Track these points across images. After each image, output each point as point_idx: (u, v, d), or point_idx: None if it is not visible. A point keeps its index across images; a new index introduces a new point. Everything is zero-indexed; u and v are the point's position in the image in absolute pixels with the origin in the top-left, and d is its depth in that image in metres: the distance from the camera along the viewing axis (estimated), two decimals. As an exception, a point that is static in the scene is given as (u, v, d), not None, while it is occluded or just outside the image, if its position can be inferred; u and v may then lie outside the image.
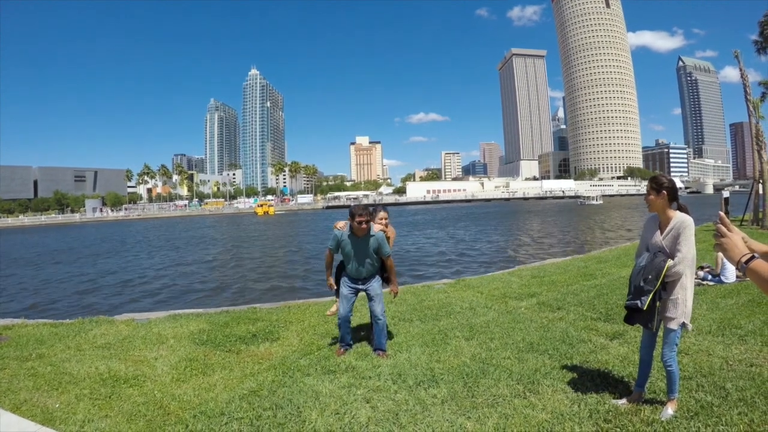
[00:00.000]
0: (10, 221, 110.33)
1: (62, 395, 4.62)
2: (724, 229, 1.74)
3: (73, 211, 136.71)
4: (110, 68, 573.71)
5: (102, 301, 15.49)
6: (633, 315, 3.46)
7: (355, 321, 6.58)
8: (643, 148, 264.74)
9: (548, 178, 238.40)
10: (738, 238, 1.72)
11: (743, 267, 1.64)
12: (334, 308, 5.52)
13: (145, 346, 6.21)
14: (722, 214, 1.80)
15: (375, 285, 5.41)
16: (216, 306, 10.28)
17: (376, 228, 5.32)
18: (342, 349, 5.45)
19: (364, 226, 5.07)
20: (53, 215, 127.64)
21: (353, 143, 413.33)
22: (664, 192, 3.37)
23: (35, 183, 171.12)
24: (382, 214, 5.62)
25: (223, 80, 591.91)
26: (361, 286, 5.40)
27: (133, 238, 49.50)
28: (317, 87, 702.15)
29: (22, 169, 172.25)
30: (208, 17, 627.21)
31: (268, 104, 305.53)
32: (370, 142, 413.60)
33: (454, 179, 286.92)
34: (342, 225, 5.35)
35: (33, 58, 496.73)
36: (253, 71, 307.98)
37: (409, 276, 16.79)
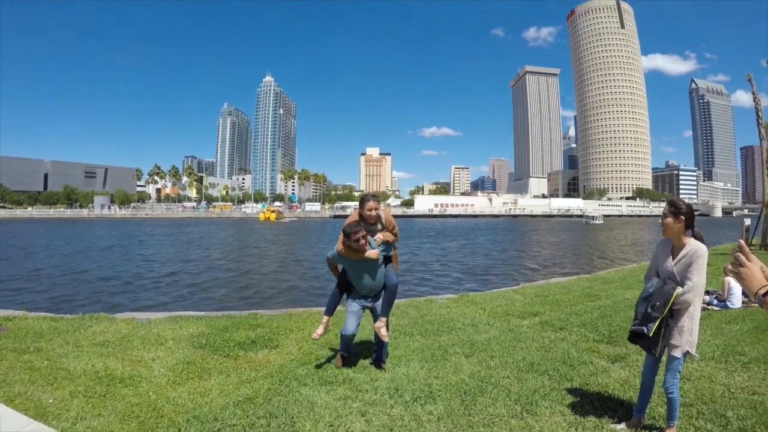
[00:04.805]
0: (19, 213, 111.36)
1: (57, 390, 4.61)
2: (743, 258, 1.70)
3: (81, 207, 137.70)
4: (126, 68, 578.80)
5: (104, 298, 15.53)
6: (637, 339, 3.42)
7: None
8: (652, 169, 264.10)
9: (557, 196, 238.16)
10: (757, 269, 1.68)
11: (761, 299, 1.61)
12: (321, 330, 5.11)
13: (143, 346, 6.18)
14: (742, 242, 1.76)
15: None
16: (217, 309, 10.25)
17: (378, 238, 4.93)
18: (341, 355, 5.32)
19: (362, 242, 4.71)
20: (62, 209, 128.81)
21: (363, 154, 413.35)
22: (683, 218, 3.31)
23: (46, 176, 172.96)
24: (370, 204, 4.92)
25: (237, 85, 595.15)
26: (369, 304, 5.14)
27: (140, 237, 49.71)
28: (330, 96, 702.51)
29: (34, 162, 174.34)
30: (225, 22, 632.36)
31: (281, 111, 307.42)
32: (380, 154, 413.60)
33: (463, 194, 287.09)
34: (375, 254, 4.84)
35: (51, 55, 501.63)
36: (268, 78, 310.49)
37: (413, 289, 16.73)
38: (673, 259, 3.38)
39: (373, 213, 4.91)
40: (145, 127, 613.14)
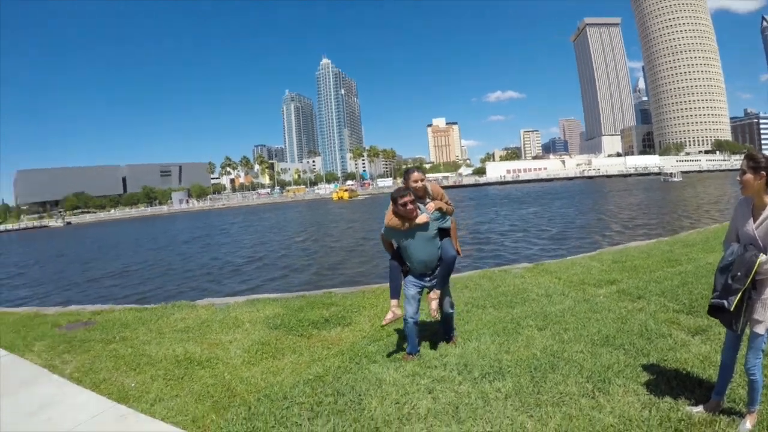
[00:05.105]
0: (103, 215, 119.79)
1: (139, 375, 4.93)
2: None
3: (160, 204, 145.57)
4: (189, 66, 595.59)
5: (192, 288, 16.33)
6: (716, 313, 3.06)
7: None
8: (730, 118, 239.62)
9: (632, 153, 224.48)
10: None
11: None
12: (390, 315, 4.75)
13: (221, 330, 6.47)
14: None
15: None
16: (294, 290, 10.48)
17: (430, 207, 4.59)
18: (409, 356, 4.86)
19: (410, 207, 4.38)
20: (142, 208, 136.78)
21: (430, 125, 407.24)
22: (763, 173, 2.87)
23: (124, 180, 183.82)
24: (415, 175, 4.68)
25: (296, 72, 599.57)
26: (427, 283, 4.75)
27: (221, 227, 52.06)
28: (390, 71, 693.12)
29: (111, 168, 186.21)
30: (273, 11, 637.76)
31: (342, 91, 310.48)
32: (447, 123, 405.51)
33: (534, 158, 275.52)
34: (425, 218, 4.53)
35: (115, 61, 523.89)
36: (325, 60, 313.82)
37: (491, 260, 16.49)
38: (755, 221, 2.97)
39: (419, 184, 4.65)
40: (213, 121, 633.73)
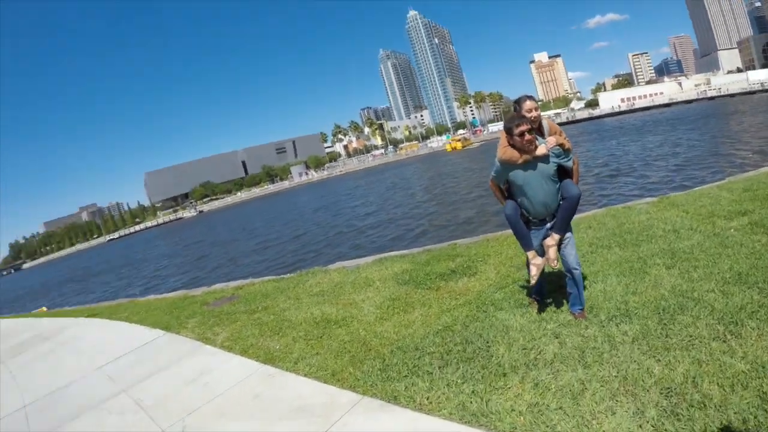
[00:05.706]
0: (230, 200, 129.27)
1: (282, 338, 5.50)
2: None
3: (281, 180, 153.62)
4: (285, 45, 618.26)
5: (328, 252, 17.42)
6: None
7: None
8: None
9: (753, 67, 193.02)
10: None
11: None
12: (534, 271, 4.26)
13: (353, 290, 6.89)
14: None
15: None
16: (419, 246, 10.70)
17: (551, 141, 4.00)
18: (535, 300, 4.77)
19: (528, 137, 3.80)
20: (265, 186, 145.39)
21: (532, 61, 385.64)
22: None
23: (243, 163, 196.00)
24: (528, 104, 4.12)
25: (387, 29, 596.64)
26: (549, 228, 4.20)
27: (344, 192, 54.10)
28: (483, 11, 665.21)
29: (230, 154, 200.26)
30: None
31: (436, 41, 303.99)
32: (549, 57, 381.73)
33: (648, 83, 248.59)
34: (553, 141, 4.01)
35: (213, 52, 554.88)
36: (412, 12, 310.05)
37: (611, 195, 15.78)
38: None
39: (533, 114, 4.08)
40: (318, 93, 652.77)
